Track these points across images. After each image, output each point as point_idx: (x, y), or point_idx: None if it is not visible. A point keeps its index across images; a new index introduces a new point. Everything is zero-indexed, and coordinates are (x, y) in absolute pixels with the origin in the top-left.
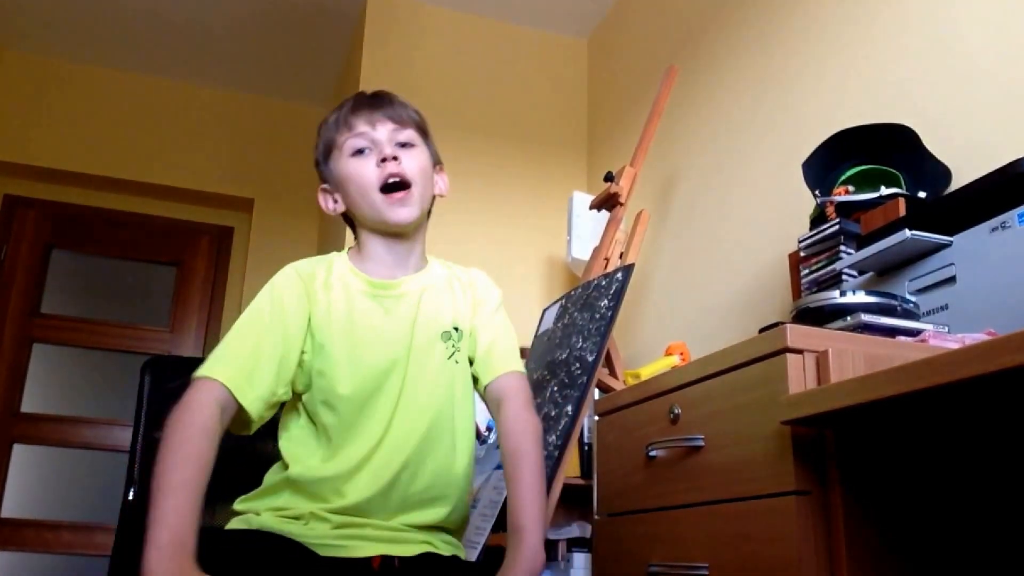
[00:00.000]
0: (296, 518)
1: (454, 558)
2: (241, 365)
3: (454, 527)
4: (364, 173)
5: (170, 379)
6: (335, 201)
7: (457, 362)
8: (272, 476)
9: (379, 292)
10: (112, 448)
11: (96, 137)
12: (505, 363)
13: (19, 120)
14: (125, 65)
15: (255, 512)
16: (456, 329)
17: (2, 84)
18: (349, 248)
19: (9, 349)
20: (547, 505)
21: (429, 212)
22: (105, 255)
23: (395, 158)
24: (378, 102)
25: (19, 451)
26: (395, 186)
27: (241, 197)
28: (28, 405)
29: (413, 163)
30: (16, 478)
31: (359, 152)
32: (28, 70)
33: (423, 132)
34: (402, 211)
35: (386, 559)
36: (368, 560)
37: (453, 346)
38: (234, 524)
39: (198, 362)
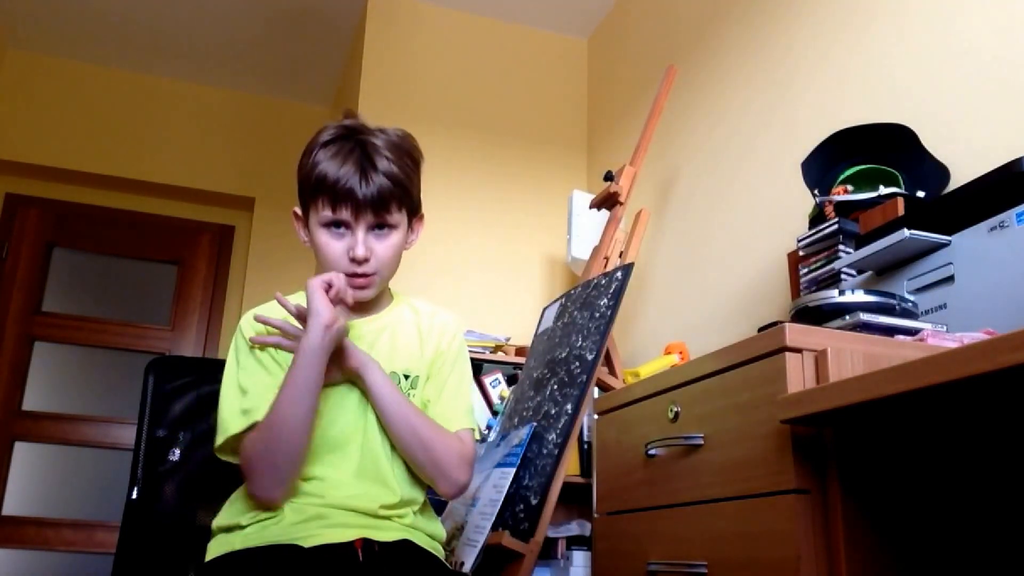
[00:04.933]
0: (272, 516)
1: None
2: (264, 401)
3: (421, 530)
4: (335, 255)
5: (173, 379)
6: (306, 237)
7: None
8: (242, 491)
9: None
10: (113, 446)
11: (97, 136)
12: (456, 422)
13: (20, 119)
14: (127, 64)
15: (237, 524)
16: (407, 376)
17: (3, 83)
18: None
19: (10, 347)
20: (400, 421)
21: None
22: (106, 253)
23: (366, 259)
24: (366, 178)
25: (20, 449)
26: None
27: (242, 196)
28: (29, 403)
29: (385, 252)
30: (17, 476)
31: (335, 225)
32: (29, 69)
33: (407, 198)
34: (360, 293)
35: (367, 542)
36: (350, 544)
37: (411, 394)
38: (214, 549)
39: (200, 362)
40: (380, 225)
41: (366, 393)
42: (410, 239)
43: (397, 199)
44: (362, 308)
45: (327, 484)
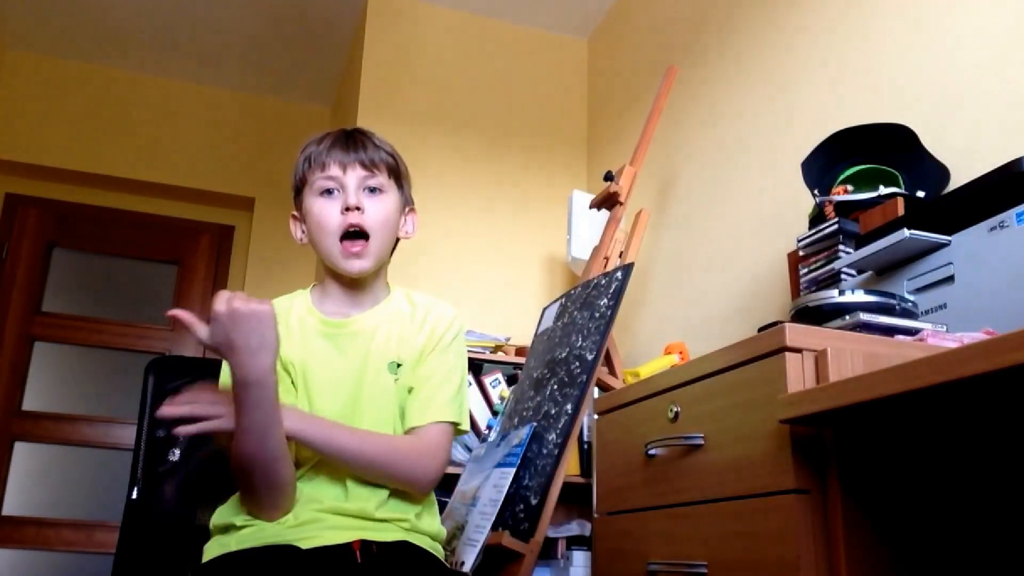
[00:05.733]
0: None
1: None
2: None
3: (423, 532)
4: (327, 216)
5: (173, 379)
6: (303, 231)
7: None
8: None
9: (334, 331)
10: (113, 446)
11: (97, 136)
12: (428, 415)
13: (20, 119)
14: (126, 64)
15: (232, 525)
16: (399, 365)
17: (3, 84)
18: (314, 285)
19: (10, 347)
20: (333, 447)
21: (393, 249)
22: (106, 253)
23: (359, 208)
24: (353, 144)
25: (20, 449)
26: (354, 235)
27: (242, 196)
28: (29, 403)
29: (378, 212)
30: (17, 476)
31: (327, 192)
32: (29, 70)
33: (396, 175)
34: (356, 263)
35: (365, 543)
36: (348, 545)
37: (397, 380)
38: (211, 550)
39: (200, 362)
40: (371, 189)
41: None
42: (404, 227)
43: (386, 164)
44: (360, 302)
45: (322, 489)
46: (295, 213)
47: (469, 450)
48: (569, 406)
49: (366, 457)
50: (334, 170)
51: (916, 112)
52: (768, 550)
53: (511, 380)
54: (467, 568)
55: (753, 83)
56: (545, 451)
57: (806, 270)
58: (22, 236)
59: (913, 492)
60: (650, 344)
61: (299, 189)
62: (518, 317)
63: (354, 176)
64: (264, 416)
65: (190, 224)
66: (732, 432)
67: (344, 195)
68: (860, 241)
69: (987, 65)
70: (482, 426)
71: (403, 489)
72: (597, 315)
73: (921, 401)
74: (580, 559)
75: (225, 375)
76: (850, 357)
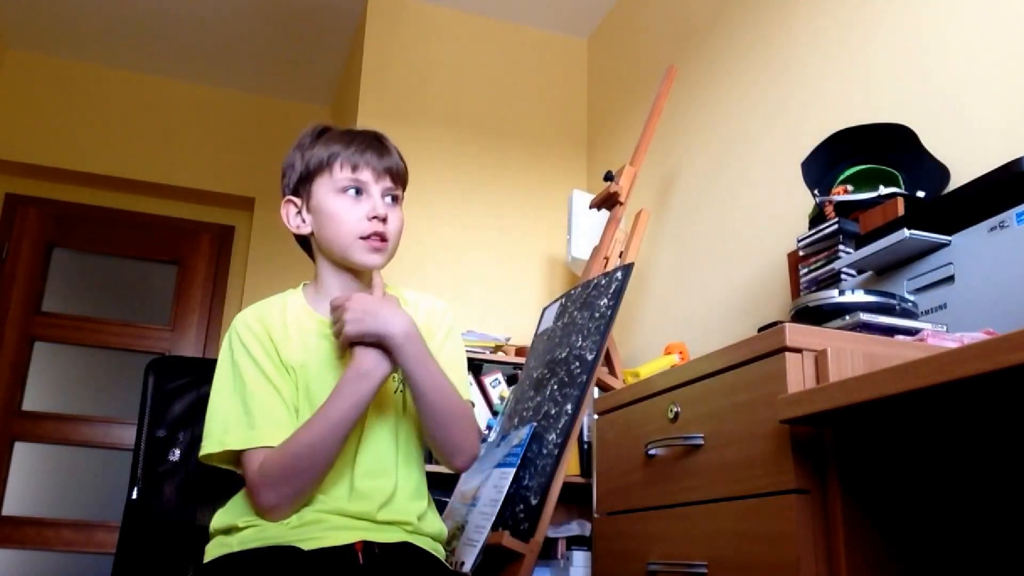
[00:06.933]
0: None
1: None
2: (270, 420)
3: (425, 535)
4: (350, 218)
5: (173, 379)
6: (303, 220)
7: (400, 391)
8: (241, 493)
9: (332, 332)
10: (113, 446)
11: (97, 136)
12: None
13: (20, 119)
14: (127, 64)
15: (234, 526)
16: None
17: (3, 84)
18: (305, 284)
19: (10, 347)
20: (433, 397)
21: None
22: (106, 253)
23: (385, 219)
24: (386, 151)
25: (20, 449)
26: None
27: (242, 196)
28: (29, 403)
29: (397, 222)
30: (17, 476)
31: (352, 191)
32: (29, 69)
33: (405, 183)
34: (374, 256)
35: (367, 544)
36: (350, 546)
37: (396, 379)
38: (212, 551)
39: (200, 362)
40: (393, 198)
41: (403, 356)
42: None
43: (403, 178)
44: None
45: (325, 490)
46: (293, 199)
47: None
48: (569, 406)
49: (450, 402)
50: (365, 174)
51: (916, 112)
52: (768, 550)
53: (511, 380)
54: (467, 568)
55: (753, 83)
56: (545, 451)
57: (806, 270)
58: (22, 236)
59: (913, 492)
60: (650, 344)
61: (311, 175)
62: (518, 317)
63: (381, 185)
64: (357, 413)
65: (190, 224)
66: (732, 432)
67: (371, 202)
68: (860, 241)
69: (987, 65)
70: (482, 426)
71: (449, 455)
72: (597, 315)
73: (921, 401)
74: (580, 559)
75: (229, 366)
76: (850, 357)
